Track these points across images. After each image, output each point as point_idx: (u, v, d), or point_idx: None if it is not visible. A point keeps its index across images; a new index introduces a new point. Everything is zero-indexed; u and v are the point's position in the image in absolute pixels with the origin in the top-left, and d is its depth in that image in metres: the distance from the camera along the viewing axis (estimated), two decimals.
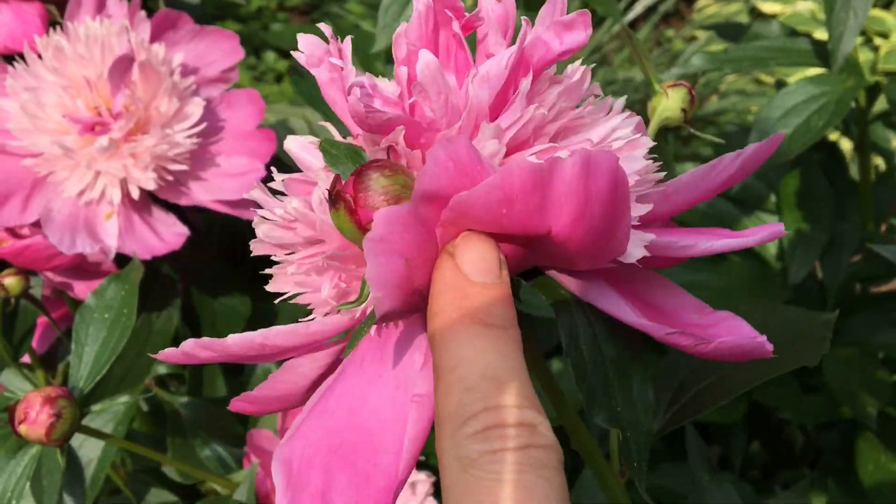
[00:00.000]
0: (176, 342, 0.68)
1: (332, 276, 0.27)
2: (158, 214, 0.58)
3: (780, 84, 0.85)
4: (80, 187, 0.55)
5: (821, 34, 0.71)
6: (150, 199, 0.58)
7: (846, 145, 1.20)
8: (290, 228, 0.28)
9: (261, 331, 0.27)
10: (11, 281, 0.54)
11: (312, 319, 0.28)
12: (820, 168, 0.85)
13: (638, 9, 1.97)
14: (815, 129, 0.65)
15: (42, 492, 0.54)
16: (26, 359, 0.64)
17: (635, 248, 0.26)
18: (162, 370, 0.69)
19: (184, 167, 0.56)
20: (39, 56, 0.55)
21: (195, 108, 0.57)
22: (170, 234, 0.57)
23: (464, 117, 0.26)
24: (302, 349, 0.28)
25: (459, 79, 0.28)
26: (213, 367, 0.69)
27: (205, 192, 0.58)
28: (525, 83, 0.27)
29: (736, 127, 1.26)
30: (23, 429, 0.45)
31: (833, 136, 0.98)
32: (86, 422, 0.49)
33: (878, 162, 0.94)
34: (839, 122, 0.70)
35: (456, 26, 0.28)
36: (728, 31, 0.79)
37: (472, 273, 0.23)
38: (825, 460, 0.87)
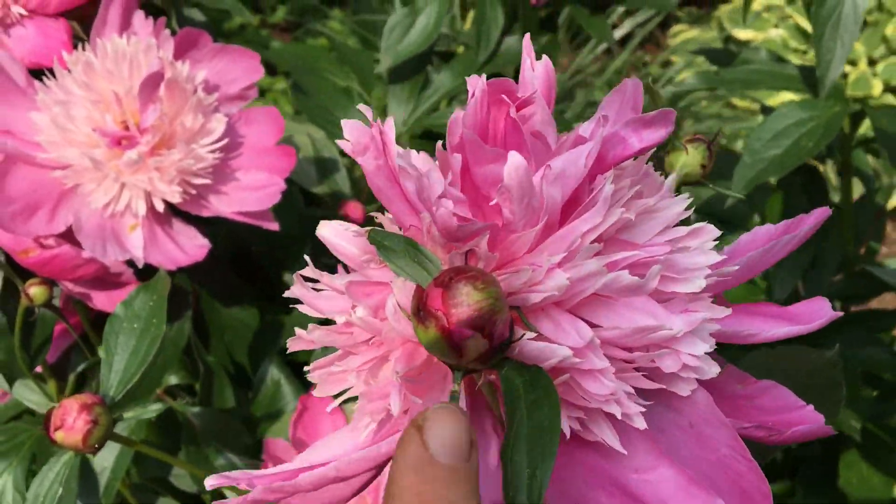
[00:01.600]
0: (187, 352, 0.69)
1: (401, 388, 0.25)
2: (180, 227, 0.60)
3: (766, 109, 0.89)
4: (107, 199, 0.56)
5: (795, 59, 0.75)
6: (171, 212, 0.60)
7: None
8: (346, 332, 0.27)
9: (332, 464, 0.25)
10: (37, 290, 0.55)
11: (372, 431, 0.27)
12: (802, 191, 0.89)
13: (616, 35, 2.02)
14: (804, 150, 0.69)
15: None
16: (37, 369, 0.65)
17: (708, 366, 0.26)
18: (172, 380, 0.70)
19: (206, 181, 0.58)
20: (69, 71, 0.56)
21: (218, 124, 0.59)
22: (192, 246, 0.59)
23: (543, 220, 0.25)
24: (371, 470, 0.27)
25: None
26: (223, 379, 0.70)
27: (225, 205, 0.59)
28: (608, 186, 0.26)
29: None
30: (59, 435, 0.46)
31: (815, 162, 1.02)
32: None
33: (859, 188, 0.98)
34: (825, 146, 0.74)
35: (513, 111, 0.26)
36: (717, 56, 0.83)
37: (439, 453, 0.21)
38: (805, 471, 0.90)
